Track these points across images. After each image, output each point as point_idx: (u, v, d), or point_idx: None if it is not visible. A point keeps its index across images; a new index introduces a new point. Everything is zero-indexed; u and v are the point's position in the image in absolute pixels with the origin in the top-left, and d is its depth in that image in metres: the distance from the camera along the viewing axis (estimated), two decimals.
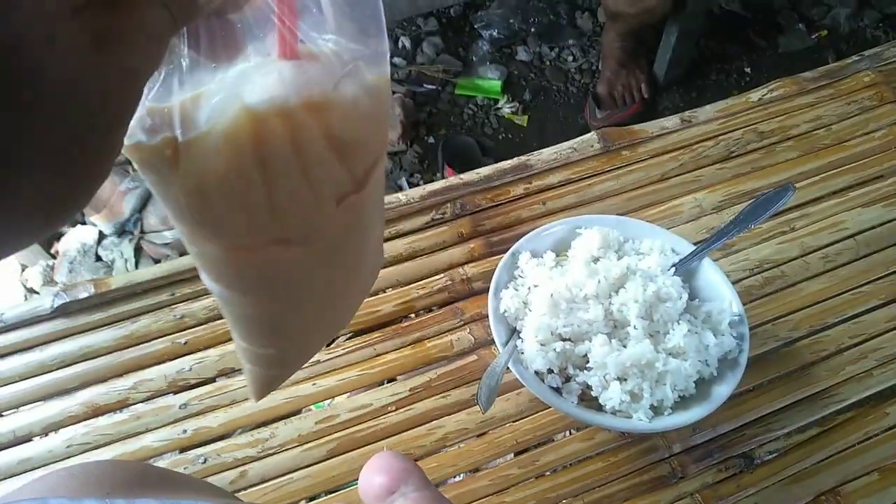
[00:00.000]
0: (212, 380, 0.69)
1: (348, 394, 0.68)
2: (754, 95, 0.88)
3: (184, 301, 0.73)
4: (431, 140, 1.81)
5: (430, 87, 1.92)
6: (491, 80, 1.93)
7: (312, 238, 0.33)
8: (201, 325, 0.72)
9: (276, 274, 0.34)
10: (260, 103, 0.27)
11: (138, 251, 1.60)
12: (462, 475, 0.63)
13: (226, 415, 0.66)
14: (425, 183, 0.80)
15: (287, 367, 0.46)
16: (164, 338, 0.71)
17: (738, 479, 0.61)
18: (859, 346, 0.68)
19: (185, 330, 0.71)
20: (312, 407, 0.68)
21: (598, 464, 0.62)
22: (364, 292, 0.46)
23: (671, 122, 0.86)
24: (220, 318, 0.72)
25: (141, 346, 0.70)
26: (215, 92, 0.28)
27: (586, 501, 0.60)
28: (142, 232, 1.62)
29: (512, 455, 0.63)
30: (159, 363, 0.70)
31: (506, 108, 1.89)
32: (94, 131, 0.21)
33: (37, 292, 1.54)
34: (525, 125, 1.87)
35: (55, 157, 0.20)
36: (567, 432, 0.65)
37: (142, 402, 0.67)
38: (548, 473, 0.63)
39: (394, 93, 1.86)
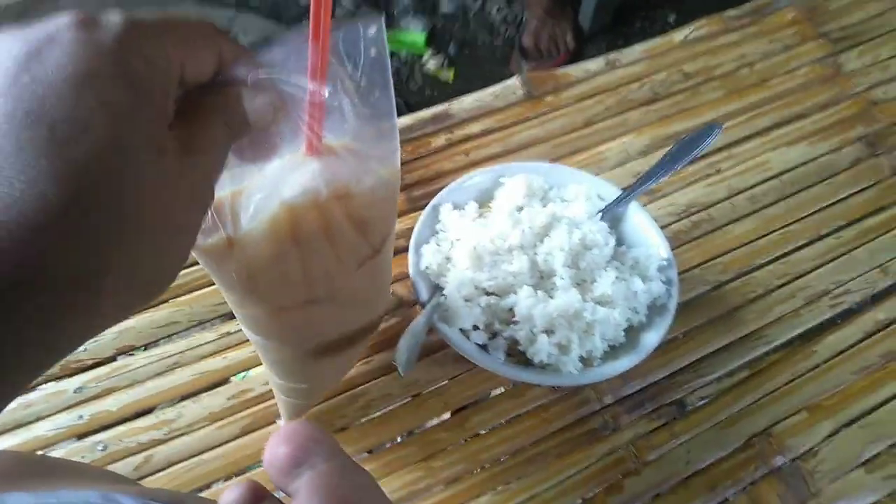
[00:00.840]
0: (110, 359, 0.63)
1: (263, 365, 0.63)
2: (678, 35, 0.85)
3: None
4: None
5: None
6: (414, 33, 1.87)
7: (338, 295, 0.41)
8: None
9: (308, 325, 0.43)
10: (295, 197, 0.33)
11: None
12: (389, 443, 0.59)
13: (126, 396, 0.61)
14: None
15: (315, 397, 0.56)
16: None
17: (670, 428, 0.60)
18: (787, 286, 0.68)
19: None
20: (233, 378, 0.63)
21: (530, 421, 0.60)
22: (376, 323, 0.54)
23: (596, 64, 0.83)
24: None
25: None
26: (257, 189, 0.33)
27: (518, 460, 0.58)
28: None
29: (440, 418, 0.60)
30: None
31: (431, 63, 1.83)
32: (183, 231, 0.27)
33: None
34: (451, 80, 1.82)
35: (150, 255, 0.25)
36: (498, 390, 0.62)
37: (31, 388, 0.61)
38: (480, 433, 0.60)
39: None
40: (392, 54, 1.82)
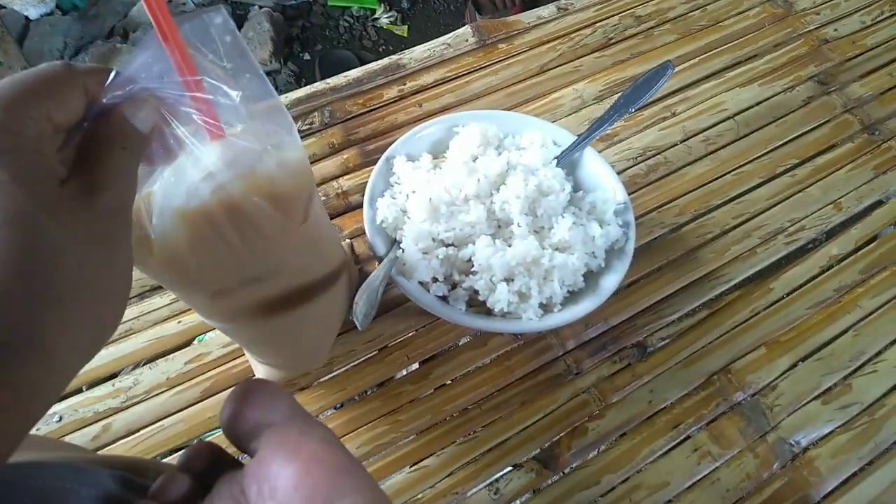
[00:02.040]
0: None
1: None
2: None
3: None
4: (307, 56, 1.70)
5: None
6: None
7: (279, 269, 0.41)
8: None
9: (258, 304, 0.42)
10: (200, 187, 0.34)
11: None
12: (355, 398, 0.59)
13: None
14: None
15: (296, 368, 0.57)
16: None
17: (632, 369, 0.60)
18: (743, 226, 0.68)
19: None
20: (195, 341, 0.62)
21: (494, 369, 0.60)
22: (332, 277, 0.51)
23: (548, 10, 0.81)
24: None
25: None
26: (166, 186, 0.34)
27: (483, 409, 0.58)
28: None
29: (404, 371, 0.60)
30: None
31: (384, 19, 1.79)
32: (118, 274, 0.27)
33: None
34: (406, 35, 1.78)
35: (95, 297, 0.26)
36: (460, 341, 0.61)
37: None
38: (445, 384, 0.59)
39: (260, 7, 1.71)
40: (344, 10, 1.78)
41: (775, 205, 0.70)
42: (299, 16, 1.76)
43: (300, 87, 1.66)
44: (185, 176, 0.34)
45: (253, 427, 0.26)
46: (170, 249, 0.35)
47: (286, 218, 0.37)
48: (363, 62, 1.72)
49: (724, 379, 0.60)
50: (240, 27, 1.65)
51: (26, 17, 1.65)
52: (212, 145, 0.34)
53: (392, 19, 1.79)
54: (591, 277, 0.57)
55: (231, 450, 0.29)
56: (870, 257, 0.67)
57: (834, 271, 0.66)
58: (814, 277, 0.66)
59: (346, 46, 1.74)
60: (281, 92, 1.61)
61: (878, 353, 0.62)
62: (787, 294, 0.65)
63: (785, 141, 0.74)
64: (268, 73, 1.62)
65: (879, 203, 0.70)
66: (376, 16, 1.79)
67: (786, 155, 0.73)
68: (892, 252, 0.67)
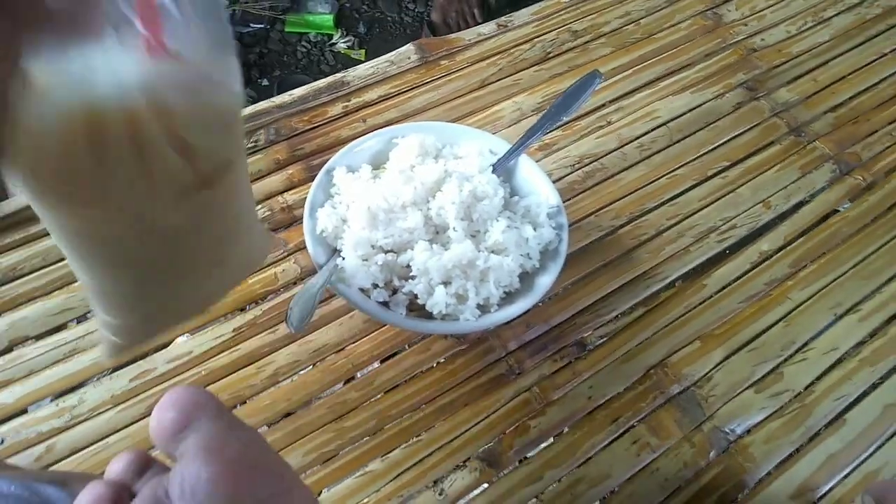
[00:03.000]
0: (5, 351, 0.61)
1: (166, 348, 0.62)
2: None
3: None
4: (265, 82, 1.71)
5: (257, 26, 1.80)
6: (322, 14, 1.84)
7: (152, 221, 0.34)
8: None
9: (119, 248, 0.36)
10: (102, 94, 0.28)
11: None
12: (298, 409, 0.59)
13: (23, 388, 0.59)
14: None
15: (133, 337, 0.48)
16: None
17: (572, 367, 0.62)
18: (676, 226, 0.71)
19: None
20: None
21: (437, 373, 0.61)
22: (229, 283, 0.47)
23: (488, 28, 0.84)
24: (7, 282, 0.63)
25: None
26: (61, 74, 0.28)
27: (427, 412, 0.59)
28: None
29: (348, 379, 0.61)
30: None
31: (341, 44, 1.82)
32: None
33: None
34: (363, 58, 1.81)
35: None
36: (404, 347, 0.63)
37: None
38: (389, 390, 0.60)
39: None
40: (301, 36, 1.80)
41: (708, 205, 0.72)
42: (257, 42, 1.78)
43: None
44: (106, 66, 0.28)
45: (178, 431, 0.27)
46: (36, 148, 0.29)
47: (187, 168, 0.32)
48: None
49: (660, 373, 0.62)
50: None
51: None
52: (145, 57, 0.28)
53: (349, 44, 1.82)
54: (527, 278, 0.58)
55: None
56: (798, 252, 0.70)
57: (764, 266, 0.69)
58: (745, 273, 0.68)
59: (304, 71, 1.76)
60: None
61: (808, 343, 0.64)
62: (720, 290, 0.67)
63: (716, 145, 0.77)
64: None
65: (806, 201, 0.73)
66: (333, 41, 1.82)
67: (717, 158, 0.76)
68: (818, 246, 0.70)
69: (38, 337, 0.62)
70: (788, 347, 0.64)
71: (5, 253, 0.65)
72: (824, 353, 0.64)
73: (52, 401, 0.59)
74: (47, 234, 0.66)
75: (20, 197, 0.66)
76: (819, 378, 0.62)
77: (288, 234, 0.68)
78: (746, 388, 0.61)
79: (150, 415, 0.58)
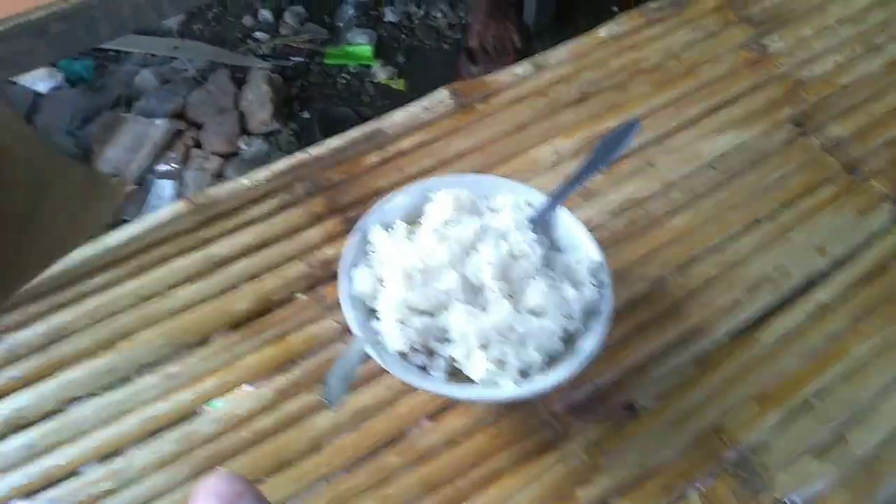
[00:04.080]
0: (56, 412, 0.62)
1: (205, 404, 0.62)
2: (603, 32, 0.86)
3: (12, 330, 0.65)
4: (307, 115, 1.74)
5: (297, 59, 1.83)
6: (361, 45, 1.86)
7: None
8: (35, 353, 0.64)
9: None
10: None
11: None
12: (340, 473, 0.59)
13: (74, 449, 0.60)
14: None
15: None
16: None
17: (621, 431, 0.60)
18: (727, 275, 0.68)
19: (17, 361, 0.64)
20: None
21: (480, 437, 0.60)
22: (69, 239, 0.44)
23: (523, 68, 0.83)
24: (57, 341, 0.65)
25: None
26: None
27: (470, 478, 0.58)
28: None
29: (390, 443, 0.60)
30: None
31: (380, 74, 1.83)
32: None
33: None
34: (403, 89, 1.82)
35: None
36: (446, 409, 0.61)
37: None
38: (430, 455, 0.59)
39: (259, 69, 1.76)
40: (341, 68, 1.82)
41: (759, 252, 0.69)
42: (298, 76, 1.81)
43: (301, 145, 1.70)
44: None
45: None
46: None
47: None
48: (361, 118, 1.75)
49: (715, 437, 0.59)
50: (240, 90, 1.70)
51: (35, 93, 1.71)
52: None
53: (389, 74, 1.83)
54: (570, 341, 0.57)
55: None
56: (858, 302, 0.66)
57: (822, 318, 0.65)
58: (802, 326, 0.65)
59: (345, 103, 1.77)
60: (283, 151, 1.64)
61: (873, 403, 0.61)
62: (775, 344, 0.64)
63: (765, 186, 0.74)
64: (268, 134, 1.66)
65: (864, 246, 0.70)
66: (373, 72, 1.83)
67: (767, 200, 0.73)
68: (881, 295, 0.67)
69: (87, 397, 0.63)
70: (852, 409, 0.60)
71: (55, 313, 0.66)
72: (892, 414, 0.60)
73: (100, 462, 0.60)
74: (95, 293, 0.67)
75: (70, 258, 0.68)
76: (887, 442, 0.59)
77: (327, 290, 0.67)
78: (808, 455, 0.58)
79: (195, 476, 0.59)
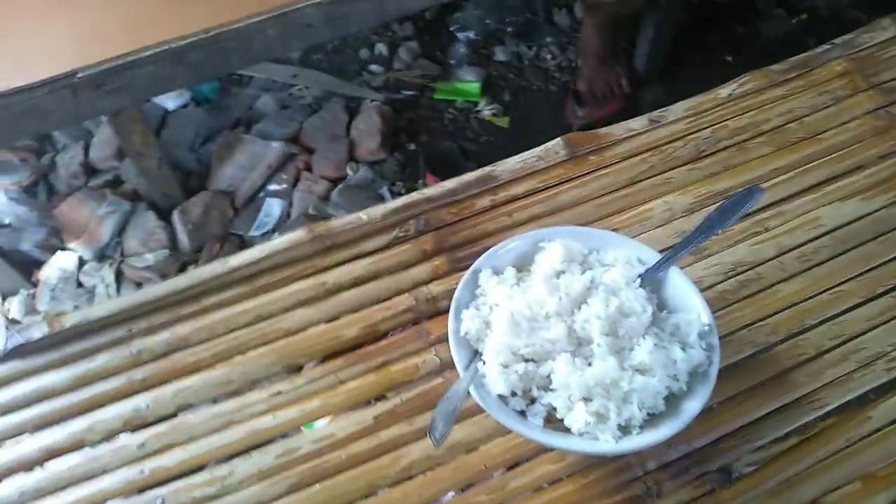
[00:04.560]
0: (170, 416, 0.66)
1: (306, 425, 0.65)
2: (724, 91, 0.85)
3: (140, 336, 0.70)
4: (412, 147, 1.79)
5: (408, 93, 1.89)
6: (470, 82, 1.91)
7: None
8: (158, 359, 0.69)
9: None
10: None
11: (119, 276, 1.58)
12: None
13: (184, 453, 0.64)
14: (408, 192, 0.78)
15: None
16: (120, 375, 0.69)
17: (715, 496, 0.59)
18: (840, 348, 0.66)
19: (141, 365, 0.69)
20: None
21: (570, 486, 0.60)
22: None
23: (639, 123, 0.83)
24: (177, 350, 0.69)
25: (96, 384, 0.68)
26: None
27: None
28: (122, 256, 1.59)
29: (481, 480, 0.61)
30: (115, 401, 0.67)
31: (486, 111, 1.87)
32: None
33: (18, 321, 1.51)
34: (507, 126, 1.85)
35: None
36: (538, 454, 0.62)
37: (98, 442, 0.65)
38: (518, 498, 0.60)
39: (372, 101, 1.83)
40: (449, 103, 1.87)
41: (875, 327, 0.67)
42: (407, 108, 1.87)
43: (405, 175, 1.75)
44: None
45: None
46: None
47: None
48: (465, 153, 1.79)
49: None
50: (351, 119, 1.77)
51: (165, 109, 1.84)
52: None
53: (494, 111, 1.87)
54: (673, 400, 0.56)
55: None
56: None
57: None
58: None
59: (450, 137, 1.82)
60: (387, 179, 1.70)
61: None
62: (887, 425, 0.61)
63: (888, 259, 0.71)
64: (374, 163, 1.72)
65: None
66: (479, 108, 1.87)
67: (888, 274, 0.70)
68: None
69: (200, 405, 0.67)
70: None
71: (178, 324, 0.71)
72: None
73: (206, 468, 0.64)
74: (215, 309, 0.72)
75: (194, 273, 0.73)
76: None
77: (430, 326, 0.70)
78: None
79: (291, 493, 0.61)
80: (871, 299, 0.69)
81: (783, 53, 0.89)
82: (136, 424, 0.66)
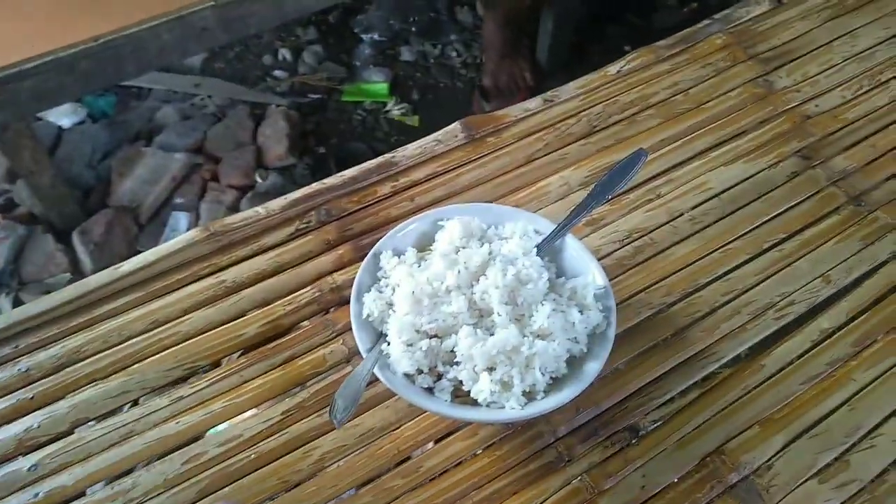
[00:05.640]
0: (65, 433, 0.63)
1: (212, 428, 0.63)
2: (612, 68, 0.88)
3: (28, 353, 0.66)
4: (322, 150, 1.77)
5: (314, 96, 1.87)
6: (377, 83, 1.91)
7: None
8: (49, 375, 0.65)
9: None
10: None
11: (18, 304, 1.49)
12: (345, 494, 0.59)
13: (82, 470, 0.60)
14: None
15: None
16: (10, 395, 0.64)
17: (624, 454, 0.60)
18: (731, 303, 0.68)
19: (31, 384, 0.65)
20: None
21: (484, 460, 0.60)
22: None
23: (534, 103, 0.85)
24: (70, 364, 0.66)
25: None
26: None
27: (475, 501, 0.58)
28: (20, 283, 1.51)
29: (394, 465, 0.60)
30: (6, 423, 0.63)
31: (395, 111, 1.87)
32: None
33: None
34: (417, 125, 1.85)
35: None
36: (451, 432, 0.62)
37: None
38: (434, 477, 0.60)
39: (277, 106, 1.80)
40: (357, 104, 1.86)
41: (763, 280, 0.70)
42: (314, 112, 1.85)
43: (315, 179, 1.72)
44: None
45: None
46: None
47: None
48: (376, 153, 1.78)
49: (717, 460, 0.59)
50: (257, 126, 1.74)
51: (59, 127, 1.76)
52: None
53: (403, 111, 1.87)
54: (574, 363, 0.57)
55: None
56: (861, 329, 0.66)
57: (825, 345, 0.66)
58: (805, 352, 0.65)
59: (360, 139, 1.81)
60: (297, 185, 1.67)
61: (876, 428, 0.60)
62: (779, 370, 0.64)
63: (771, 216, 0.75)
64: (284, 168, 1.69)
65: (868, 274, 0.70)
66: (388, 108, 1.87)
67: (772, 230, 0.74)
68: (883, 323, 0.67)
69: (97, 419, 0.64)
70: (854, 433, 0.60)
71: (69, 336, 0.68)
72: (894, 439, 0.60)
73: (107, 483, 0.61)
74: (108, 318, 0.68)
75: (82, 283, 0.70)
76: (889, 467, 0.58)
77: (336, 315, 0.69)
78: (810, 478, 0.58)
79: (201, 499, 0.59)
80: (758, 255, 0.72)
81: None
82: (28, 446, 0.62)
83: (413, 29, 2.03)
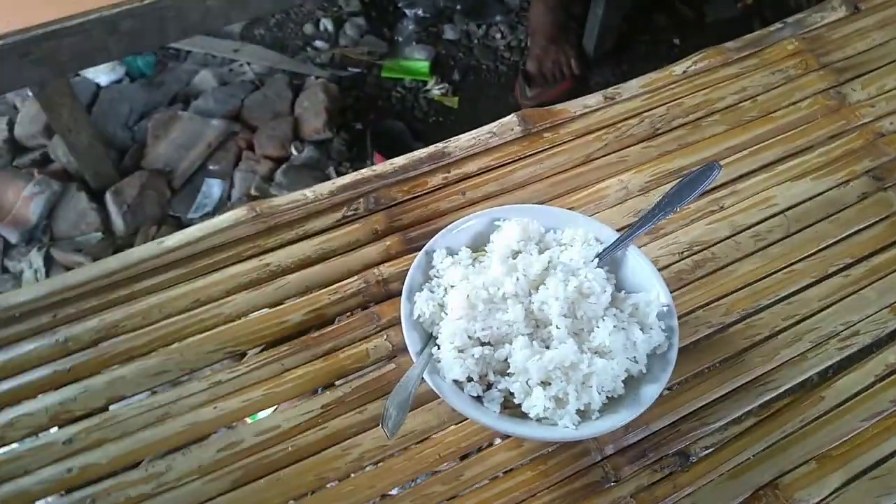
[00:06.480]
0: (101, 409, 0.62)
1: (249, 417, 0.62)
2: (678, 68, 0.84)
3: (66, 323, 0.65)
4: (359, 126, 1.74)
5: (354, 70, 1.84)
6: (418, 60, 1.87)
7: None
8: (86, 348, 0.64)
9: None
10: None
11: (49, 260, 1.49)
12: (380, 497, 0.58)
13: (116, 448, 0.59)
14: (354, 171, 0.74)
15: None
16: (45, 365, 0.63)
17: (673, 479, 0.58)
18: (793, 328, 0.66)
19: (68, 355, 0.64)
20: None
21: (528, 473, 0.58)
22: None
23: (594, 100, 0.82)
24: (108, 338, 0.65)
25: (19, 376, 0.63)
26: None
27: None
28: (51, 239, 1.51)
29: (435, 470, 0.58)
30: (40, 394, 0.62)
31: (435, 90, 1.83)
32: None
33: None
34: (456, 106, 1.82)
35: None
36: (494, 441, 0.60)
37: (20, 439, 0.60)
38: (476, 487, 0.58)
39: (317, 77, 1.77)
40: (397, 81, 1.82)
41: (828, 307, 0.67)
42: (354, 86, 1.81)
43: (351, 155, 1.70)
44: None
45: None
46: None
47: None
48: (414, 132, 1.75)
49: (770, 494, 0.57)
50: (296, 97, 1.71)
51: (97, 84, 1.74)
52: None
53: (443, 91, 1.83)
54: (632, 383, 0.55)
55: None
56: None
57: (891, 380, 0.63)
58: (869, 387, 0.62)
59: (398, 117, 1.78)
60: (333, 160, 1.65)
61: None
62: (840, 404, 0.62)
63: (838, 239, 0.71)
64: (320, 142, 1.67)
65: None
66: (428, 87, 1.84)
67: (839, 253, 0.70)
68: None
69: (134, 397, 0.62)
70: None
71: (109, 310, 0.66)
72: None
73: (141, 465, 0.59)
74: (150, 294, 0.67)
75: (125, 255, 0.68)
76: None
77: (381, 309, 0.67)
78: None
79: (234, 489, 0.58)
80: (824, 279, 0.69)
81: (728, 36, 0.89)
82: (63, 419, 0.61)
83: (458, 7, 1.99)
